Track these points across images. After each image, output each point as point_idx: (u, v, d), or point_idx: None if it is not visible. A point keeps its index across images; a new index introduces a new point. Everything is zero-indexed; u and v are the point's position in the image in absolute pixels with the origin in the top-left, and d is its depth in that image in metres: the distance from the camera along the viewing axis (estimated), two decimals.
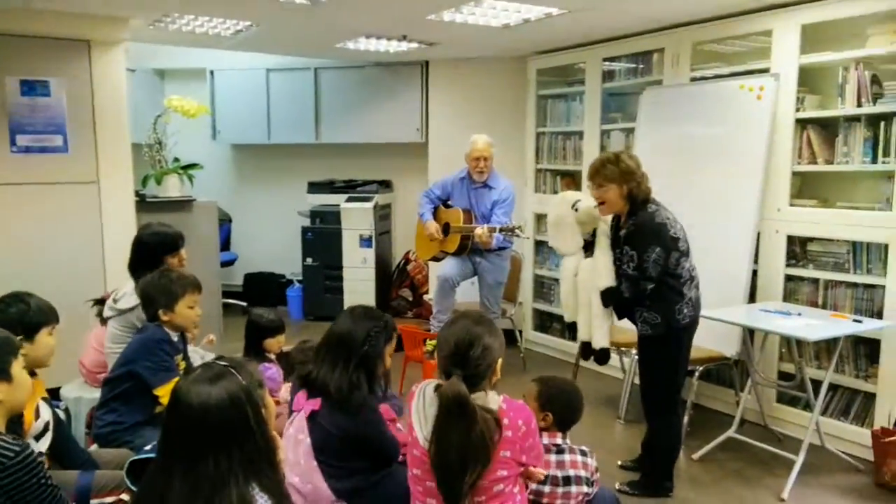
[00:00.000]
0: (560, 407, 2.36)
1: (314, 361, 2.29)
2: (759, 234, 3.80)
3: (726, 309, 3.51)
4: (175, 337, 2.85)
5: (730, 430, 3.66)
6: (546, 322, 5.60)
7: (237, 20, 4.42)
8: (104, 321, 3.24)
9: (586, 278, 3.21)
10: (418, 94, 6.06)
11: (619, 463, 3.48)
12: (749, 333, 3.67)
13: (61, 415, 3.15)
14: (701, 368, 3.77)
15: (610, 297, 3.13)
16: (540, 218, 5.43)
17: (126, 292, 3.11)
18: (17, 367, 1.88)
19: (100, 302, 3.30)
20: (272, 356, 3.36)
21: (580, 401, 2.46)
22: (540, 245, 5.50)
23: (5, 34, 4.04)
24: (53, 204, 4.26)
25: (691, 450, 3.62)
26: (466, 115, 5.70)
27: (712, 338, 3.66)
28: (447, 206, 4.82)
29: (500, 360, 2.00)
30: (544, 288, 5.55)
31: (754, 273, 3.85)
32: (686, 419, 3.73)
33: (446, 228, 4.70)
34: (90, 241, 4.36)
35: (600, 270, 3.14)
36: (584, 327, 3.30)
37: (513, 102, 5.60)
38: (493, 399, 1.96)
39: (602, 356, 3.30)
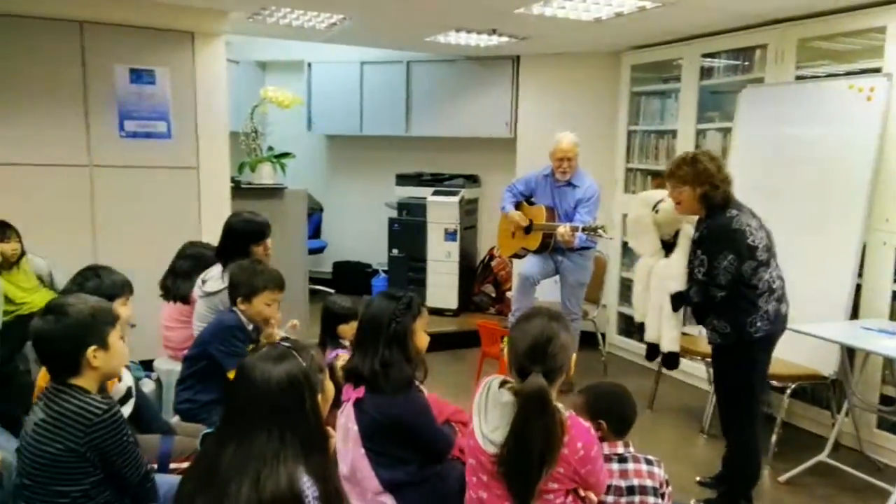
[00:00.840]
0: (609, 411, 2.26)
1: (353, 352, 2.33)
2: (864, 245, 3.51)
3: (824, 324, 3.28)
4: (250, 326, 2.94)
5: (822, 453, 3.43)
6: (631, 327, 5.42)
7: (331, 13, 4.52)
8: (168, 298, 3.44)
9: (658, 280, 3.11)
10: (509, 88, 6.01)
11: (698, 479, 3.33)
12: (848, 352, 3.41)
13: (152, 385, 3.37)
14: (794, 386, 3.54)
15: (679, 302, 3.02)
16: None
17: (213, 276, 3.25)
18: (115, 337, 2.00)
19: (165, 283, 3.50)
20: (346, 342, 3.43)
21: (630, 401, 2.35)
22: (627, 246, 5.33)
23: (118, 24, 4.32)
24: (155, 187, 4.53)
25: (778, 471, 3.42)
26: (556, 111, 5.60)
27: (807, 354, 3.43)
28: (530, 203, 4.75)
29: (573, 358, 1.97)
30: (630, 291, 5.37)
31: (858, 287, 3.57)
32: (774, 438, 3.52)
33: (528, 226, 4.64)
34: (189, 223, 4.59)
35: (673, 273, 3.03)
36: (652, 329, 3.22)
37: (604, 99, 5.46)
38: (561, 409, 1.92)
39: (670, 360, 3.20)
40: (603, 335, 5.28)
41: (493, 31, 4.88)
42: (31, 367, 3.38)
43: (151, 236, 4.37)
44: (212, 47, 4.63)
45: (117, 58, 4.36)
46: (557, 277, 4.71)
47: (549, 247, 4.57)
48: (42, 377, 2.21)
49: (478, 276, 6.40)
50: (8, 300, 3.71)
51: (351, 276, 6.83)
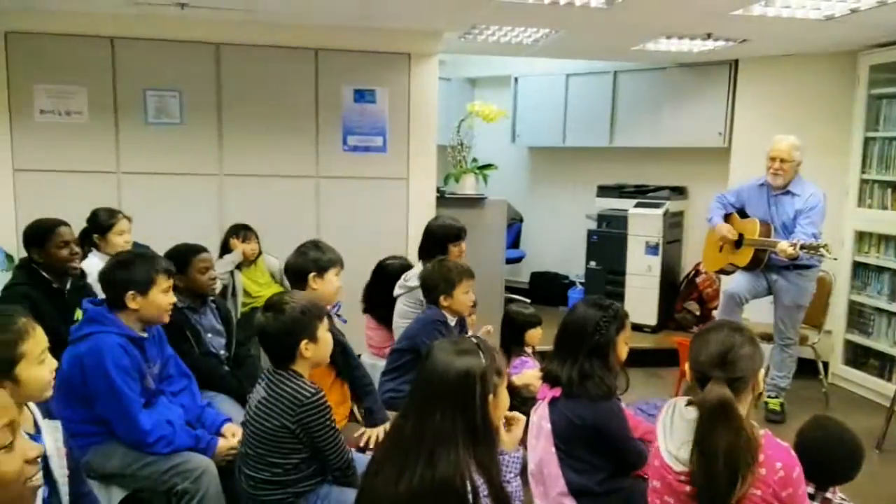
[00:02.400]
0: (819, 458, 2.00)
1: (552, 356, 2.33)
2: None
3: None
4: (453, 321, 3.10)
5: None
6: (861, 357, 4.82)
7: (537, 28, 4.61)
8: (367, 311, 3.75)
9: None
10: (724, 95, 5.65)
11: None
12: None
13: None
14: None
15: None
16: (862, 236, 4.70)
17: (414, 273, 3.49)
18: (323, 330, 2.24)
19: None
20: (529, 349, 3.47)
21: (852, 453, 2.06)
22: (860, 267, 4.75)
23: (345, 50, 4.79)
24: (370, 196, 4.96)
25: None
26: (778, 118, 5.15)
27: None
28: (742, 216, 4.42)
29: (760, 373, 1.84)
30: (862, 317, 4.78)
31: None
32: None
33: (739, 240, 4.32)
34: (397, 230, 4.96)
35: None
36: None
37: (835, 103, 4.91)
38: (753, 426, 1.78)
39: None
40: (825, 364, 4.74)
41: (708, 36, 4.64)
42: (260, 353, 3.86)
43: (365, 240, 4.76)
44: (426, 67, 4.96)
45: (344, 79, 4.85)
46: (771, 297, 4.33)
47: (762, 263, 4.22)
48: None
49: (681, 293, 6.08)
50: (246, 293, 4.28)
51: (547, 286, 6.86)
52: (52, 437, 1.72)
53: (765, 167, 4.20)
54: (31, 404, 1.71)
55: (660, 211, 5.80)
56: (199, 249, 3.10)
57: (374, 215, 4.96)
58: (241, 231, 4.30)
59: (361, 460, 2.22)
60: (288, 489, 2.11)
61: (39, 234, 3.04)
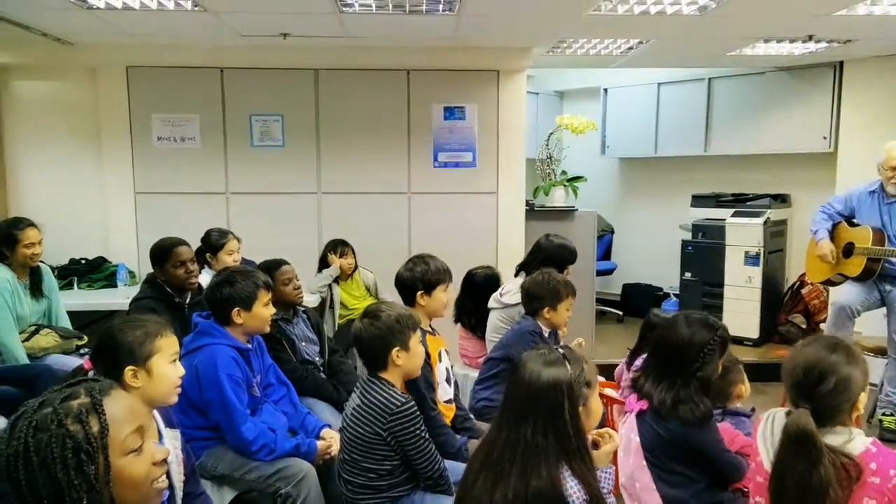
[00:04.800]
0: None
1: (643, 368, 2.30)
2: None
3: None
4: (547, 332, 3.12)
5: None
6: None
7: (627, 38, 4.58)
8: (458, 321, 3.81)
9: None
10: (828, 98, 5.39)
11: None
12: None
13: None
14: None
15: None
16: None
17: (511, 290, 3.51)
18: (415, 341, 2.33)
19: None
20: None
21: None
22: None
23: (435, 69, 4.93)
24: (460, 210, 5.06)
25: None
26: (889, 120, 4.87)
27: None
28: (851, 224, 4.19)
29: (862, 395, 1.74)
30: None
31: None
32: None
33: (848, 249, 4.10)
34: (487, 243, 5.03)
35: None
36: None
37: None
38: (859, 440, 1.71)
39: None
40: None
41: (809, 38, 4.46)
42: (357, 364, 4.01)
43: (456, 253, 4.81)
44: (514, 82, 5.02)
45: (434, 98, 4.99)
46: (884, 309, 4.08)
47: (875, 273, 3.98)
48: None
49: (784, 305, 5.81)
50: (343, 306, 4.46)
51: (640, 298, 6.71)
52: (172, 444, 1.88)
53: (881, 175, 3.98)
54: (156, 413, 1.88)
55: (760, 220, 5.57)
56: (280, 263, 3.28)
57: (464, 229, 5.06)
58: (338, 246, 4.48)
59: (455, 469, 2.28)
60: (383, 494, 2.20)
61: (160, 254, 3.31)
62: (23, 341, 3.37)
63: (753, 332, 5.60)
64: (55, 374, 3.13)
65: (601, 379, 2.39)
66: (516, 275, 3.67)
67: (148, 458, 1.25)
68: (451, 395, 2.88)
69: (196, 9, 3.66)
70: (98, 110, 4.87)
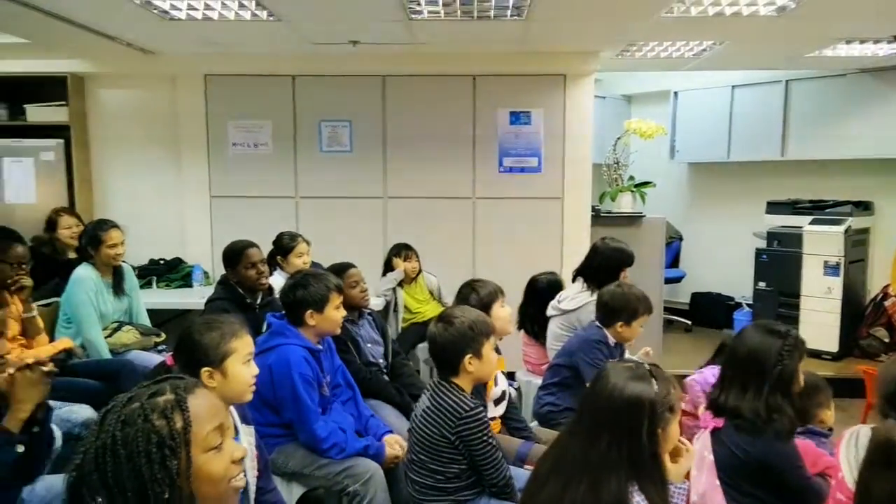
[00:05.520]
0: None
1: (719, 384, 2.22)
2: None
3: None
4: (613, 342, 3.07)
5: None
6: None
7: (700, 41, 4.46)
8: (521, 328, 3.77)
9: None
10: None
11: None
12: None
13: (514, 393, 3.73)
14: None
15: None
16: None
17: (568, 296, 3.47)
18: (488, 348, 2.32)
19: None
20: None
21: None
22: None
23: (501, 74, 4.93)
24: (525, 215, 5.03)
25: None
26: None
27: None
28: None
29: None
30: None
31: None
32: None
33: None
34: (552, 249, 4.99)
35: None
36: None
37: None
38: None
39: None
40: None
41: (895, 38, 4.24)
42: (420, 367, 4.04)
43: (520, 259, 4.82)
44: (581, 86, 4.97)
45: (500, 103, 4.98)
46: None
47: None
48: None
49: (866, 317, 5.53)
50: (407, 309, 4.51)
51: (710, 308, 6.51)
52: (247, 440, 1.94)
53: None
54: (232, 409, 1.95)
55: (840, 228, 5.32)
56: (347, 266, 3.34)
57: (528, 235, 5.03)
58: (402, 250, 4.54)
59: (521, 476, 2.27)
60: (449, 497, 2.21)
61: (232, 256, 3.43)
62: (105, 337, 3.54)
63: (832, 345, 5.35)
64: (135, 370, 3.28)
65: None
66: (573, 280, 3.63)
67: (227, 455, 1.28)
68: (497, 414, 2.85)
69: (270, 18, 3.78)
70: (177, 117, 5.08)
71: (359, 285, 3.30)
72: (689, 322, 6.48)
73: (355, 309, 3.29)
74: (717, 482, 2.13)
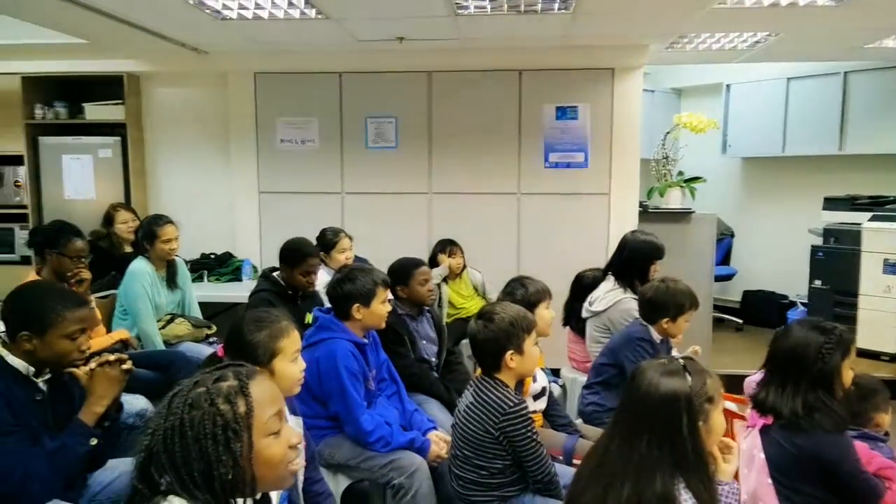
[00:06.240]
0: None
1: (762, 383, 2.17)
2: None
3: None
4: (658, 339, 3.02)
5: None
6: None
7: (754, 32, 4.34)
8: (566, 324, 3.74)
9: None
10: None
11: None
12: None
13: (558, 390, 3.71)
14: None
15: None
16: None
17: (598, 296, 3.42)
18: (529, 343, 2.32)
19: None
20: None
21: None
22: None
23: (547, 69, 4.89)
24: (570, 211, 4.98)
25: None
26: None
27: None
28: None
29: None
30: None
31: None
32: None
33: None
34: (597, 245, 4.91)
35: None
36: None
37: None
38: None
39: None
40: None
41: None
42: (463, 361, 4.04)
43: (565, 255, 4.77)
44: (630, 80, 4.89)
45: (546, 98, 4.94)
46: None
47: None
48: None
49: None
50: (451, 305, 4.51)
51: (762, 306, 6.34)
52: (296, 430, 1.98)
53: None
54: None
55: None
56: (420, 263, 3.35)
57: (574, 231, 4.97)
58: (447, 246, 4.54)
59: (566, 473, 2.25)
60: (493, 492, 2.21)
61: (294, 257, 3.48)
62: (159, 329, 3.65)
63: (891, 346, 5.15)
64: (188, 360, 3.37)
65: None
66: (604, 277, 3.56)
67: (285, 440, 1.33)
68: (537, 409, 2.82)
69: (319, 17, 3.82)
70: (227, 115, 5.19)
71: (428, 283, 3.31)
72: (741, 321, 6.32)
73: (418, 305, 3.30)
74: (769, 480, 2.08)
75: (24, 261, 5.06)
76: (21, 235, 5.19)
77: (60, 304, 2.08)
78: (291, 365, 1.97)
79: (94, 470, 2.22)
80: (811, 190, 5.94)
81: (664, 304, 2.93)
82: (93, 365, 2.07)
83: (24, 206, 5.22)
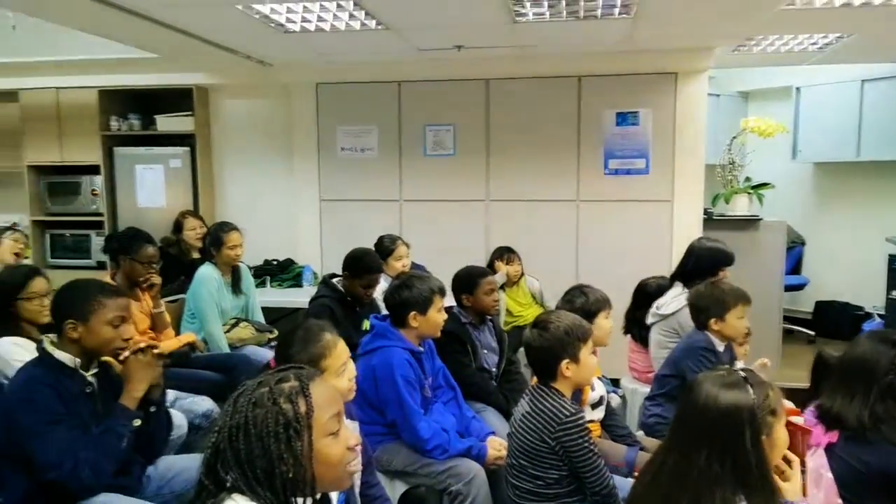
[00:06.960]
0: None
1: (827, 391, 2.07)
2: None
3: None
4: (721, 347, 2.93)
5: None
6: None
7: (825, 33, 4.18)
8: (627, 332, 3.66)
9: None
10: None
11: None
12: None
13: (618, 401, 3.63)
14: None
15: None
16: None
17: (666, 301, 3.35)
18: (585, 352, 2.28)
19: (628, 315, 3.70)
20: None
21: None
22: None
23: (607, 74, 4.82)
24: (631, 218, 4.89)
25: None
26: None
27: None
28: None
29: None
30: None
31: None
32: None
33: None
34: (660, 254, 4.79)
35: None
36: None
37: None
38: None
39: None
40: None
41: None
42: (521, 370, 4.01)
43: (626, 263, 4.68)
44: (694, 84, 4.78)
45: (606, 103, 4.87)
46: None
47: None
48: None
49: None
50: (509, 313, 4.49)
51: (836, 318, 6.06)
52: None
53: None
54: None
55: None
56: (486, 272, 3.33)
57: (635, 239, 4.88)
58: (504, 253, 4.53)
59: (624, 485, 2.20)
60: (550, 502, 2.18)
61: (358, 268, 3.52)
62: (224, 332, 3.76)
63: None
64: (251, 364, 3.46)
65: (789, 405, 2.21)
66: (671, 284, 3.49)
67: (343, 442, 1.35)
68: (595, 418, 2.77)
69: (379, 27, 3.88)
70: (290, 124, 5.33)
71: (493, 293, 3.28)
72: (813, 333, 6.06)
73: (481, 314, 3.29)
74: (840, 501, 1.98)
75: (100, 266, 5.31)
76: (97, 242, 5.46)
77: (101, 292, 2.22)
78: (338, 379, 2.00)
79: (148, 460, 2.30)
80: (888, 196, 5.67)
81: (707, 305, 2.89)
82: (126, 353, 2.18)
83: (100, 214, 5.48)
